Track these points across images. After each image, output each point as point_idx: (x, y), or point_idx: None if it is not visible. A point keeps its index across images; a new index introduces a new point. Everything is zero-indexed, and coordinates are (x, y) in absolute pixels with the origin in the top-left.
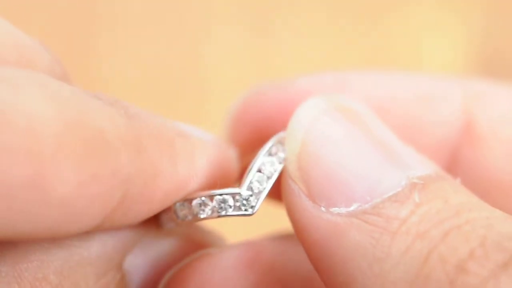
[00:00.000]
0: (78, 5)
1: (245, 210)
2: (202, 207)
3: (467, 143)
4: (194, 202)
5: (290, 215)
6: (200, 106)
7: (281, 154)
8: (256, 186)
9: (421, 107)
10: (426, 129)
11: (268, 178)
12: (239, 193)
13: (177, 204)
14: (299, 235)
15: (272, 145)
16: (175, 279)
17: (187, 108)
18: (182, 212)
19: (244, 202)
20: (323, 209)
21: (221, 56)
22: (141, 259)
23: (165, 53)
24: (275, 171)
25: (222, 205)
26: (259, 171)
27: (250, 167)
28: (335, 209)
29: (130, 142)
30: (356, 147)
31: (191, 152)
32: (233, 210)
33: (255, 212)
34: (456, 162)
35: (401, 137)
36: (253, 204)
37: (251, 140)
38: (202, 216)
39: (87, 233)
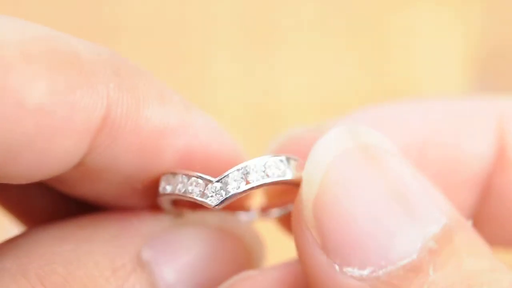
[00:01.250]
0: (82, 15)
1: (209, 200)
2: (178, 184)
3: (500, 170)
4: (174, 177)
5: (302, 263)
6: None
7: (277, 173)
8: (233, 185)
9: (457, 137)
10: (462, 159)
11: (247, 183)
12: (211, 181)
13: (163, 176)
14: (311, 286)
15: (278, 160)
16: None
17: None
18: (162, 183)
19: (212, 193)
20: (336, 267)
21: (220, 81)
22: (162, 250)
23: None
24: (257, 180)
25: (191, 187)
26: (246, 172)
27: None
28: (348, 270)
29: (109, 65)
30: (374, 200)
31: (185, 105)
32: (198, 195)
33: (217, 207)
34: (490, 190)
35: (429, 172)
36: (219, 198)
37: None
38: (176, 192)
39: (96, 225)
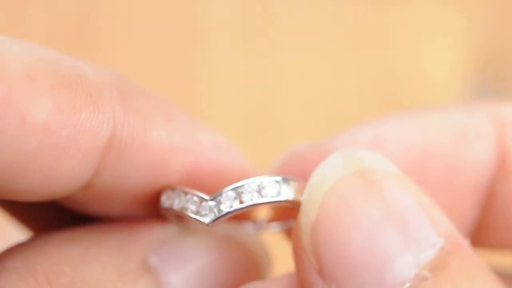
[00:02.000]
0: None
1: (202, 218)
2: (175, 199)
3: (502, 177)
4: (173, 192)
5: (300, 284)
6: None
7: (272, 193)
8: (226, 204)
9: (457, 147)
10: (463, 169)
11: (240, 202)
12: (206, 199)
13: (164, 191)
14: None
15: (273, 181)
16: None
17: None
18: (162, 198)
19: (206, 211)
20: None
21: (216, 74)
22: (170, 256)
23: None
24: (250, 200)
25: (187, 204)
26: (241, 192)
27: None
28: None
29: (115, 87)
30: (370, 228)
31: (192, 123)
32: (193, 212)
33: (210, 225)
34: (492, 198)
35: (431, 184)
36: (211, 216)
37: None
38: (174, 207)
39: (103, 229)
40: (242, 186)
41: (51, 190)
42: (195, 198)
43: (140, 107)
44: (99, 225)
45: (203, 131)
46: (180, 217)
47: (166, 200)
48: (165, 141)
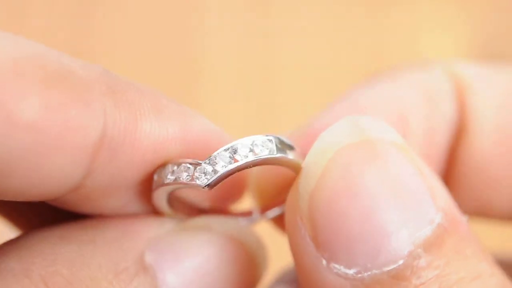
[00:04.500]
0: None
1: (199, 181)
2: (168, 174)
3: (462, 138)
4: (164, 168)
5: (292, 250)
6: (193, 98)
7: (265, 152)
8: (221, 164)
9: (427, 108)
10: (435, 130)
11: (235, 161)
12: (200, 163)
13: (155, 173)
14: (299, 276)
15: (266, 139)
16: None
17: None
18: (154, 178)
19: (201, 174)
20: (324, 262)
21: (217, 49)
22: (166, 253)
23: (160, 45)
24: (245, 158)
25: (181, 173)
26: (234, 151)
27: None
28: (335, 266)
29: (103, 82)
30: (370, 201)
31: (182, 112)
32: (188, 179)
33: (207, 187)
34: (455, 159)
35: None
36: (208, 178)
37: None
38: (166, 182)
39: (100, 227)
40: (235, 145)
41: (42, 190)
42: (188, 165)
43: (129, 100)
44: (94, 221)
45: (194, 119)
46: (174, 210)
47: (157, 179)
48: (157, 134)
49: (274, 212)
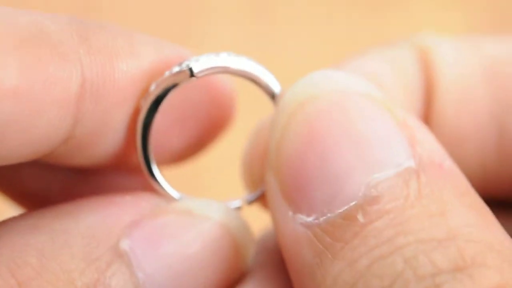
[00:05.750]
0: None
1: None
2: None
3: (431, 101)
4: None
5: (270, 212)
6: None
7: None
8: (204, 57)
9: (396, 79)
10: (404, 97)
11: (219, 60)
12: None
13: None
14: (275, 230)
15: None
16: None
17: None
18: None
19: (191, 62)
20: (290, 213)
21: (218, 32)
22: (142, 239)
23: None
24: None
25: (167, 74)
26: (217, 54)
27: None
28: (299, 216)
29: (74, 31)
30: (327, 146)
31: (156, 44)
32: (175, 69)
33: (200, 73)
34: (427, 124)
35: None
36: (195, 65)
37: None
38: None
39: (74, 215)
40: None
41: (33, 149)
42: (176, 68)
43: (102, 44)
44: (68, 208)
45: (168, 47)
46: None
47: (144, 102)
48: (134, 70)
49: (257, 193)
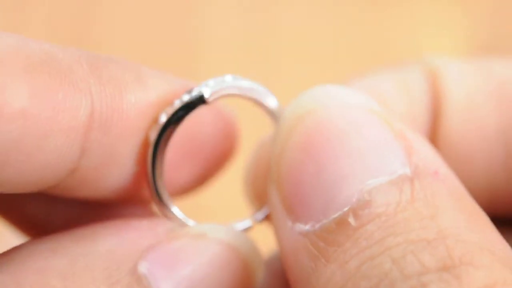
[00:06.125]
0: None
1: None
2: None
3: (438, 121)
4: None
5: (273, 224)
6: (191, 69)
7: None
8: (212, 81)
9: (404, 99)
10: (412, 116)
11: (227, 84)
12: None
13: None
14: (277, 241)
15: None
16: None
17: (178, 71)
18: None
19: (199, 87)
20: (289, 223)
21: (215, 18)
22: (160, 263)
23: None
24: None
25: (177, 102)
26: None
27: None
28: (297, 225)
29: (84, 61)
30: (323, 156)
31: (163, 78)
32: (185, 98)
33: (211, 98)
34: (434, 143)
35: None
36: (209, 88)
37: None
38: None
39: (93, 238)
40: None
41: (39, 178)
42: (186, 95)
43: (112, 75)
44: (86, 232)
45: (174, 80)
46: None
47: (153, 132)
48: (142, 102)
49: (267, 208)
